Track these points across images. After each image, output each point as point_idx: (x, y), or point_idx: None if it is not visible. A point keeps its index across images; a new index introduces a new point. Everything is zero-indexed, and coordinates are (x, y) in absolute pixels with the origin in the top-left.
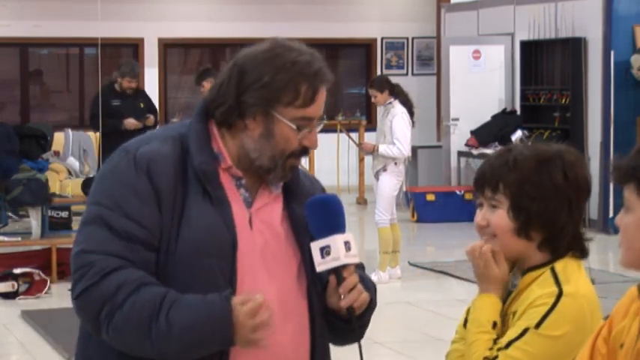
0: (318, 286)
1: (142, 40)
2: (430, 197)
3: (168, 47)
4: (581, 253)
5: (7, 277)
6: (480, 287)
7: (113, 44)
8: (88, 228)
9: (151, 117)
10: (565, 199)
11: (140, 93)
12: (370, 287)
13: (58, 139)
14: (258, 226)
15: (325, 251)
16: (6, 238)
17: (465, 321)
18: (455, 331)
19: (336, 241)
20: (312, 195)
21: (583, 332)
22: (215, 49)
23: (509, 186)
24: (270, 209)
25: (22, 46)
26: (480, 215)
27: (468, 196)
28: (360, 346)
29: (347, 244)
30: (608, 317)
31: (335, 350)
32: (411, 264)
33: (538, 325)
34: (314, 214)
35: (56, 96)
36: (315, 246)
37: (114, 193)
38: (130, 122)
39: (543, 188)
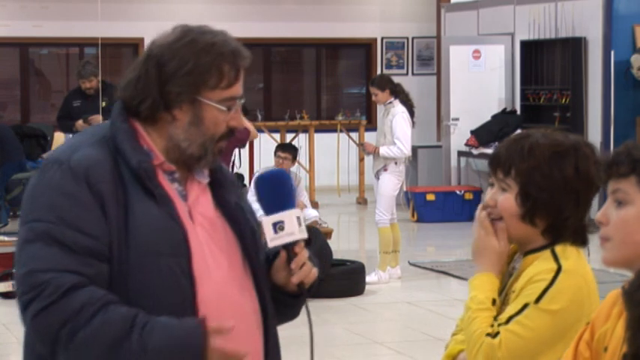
0: (263, 270)
1: (142, 40)
2: (430, 197)
3: None
4: (582, 242)
5: (7, 277)
6: (478, 266)
7: (113, 44)
8: (32, 246)
9: (96, 116)
10: (573, 192)
11: (106, 92)
12: (315, 263)
13: (58, 139)
14: (198, 218)
15: (278, 226)
16: (6, 238)
17: None
18: (455, 325)
19: (290, 215)
20: (233, 181)
21: (581, 308)
22: None
23: (521, 173)
24: (203, 200)
25: (22, 46)
26: (490, 194)
27: (468, 196)
28: (310, 330)
29: (298, 219)
30: (590, 322)
31: (336, 349)
32: (411, 264)
33: (537, 300)
34: (264, 189)
35: (56, 96)
36: (268, 221)
37: (55, 206)
38: (79, 124)
39: (553, 180)
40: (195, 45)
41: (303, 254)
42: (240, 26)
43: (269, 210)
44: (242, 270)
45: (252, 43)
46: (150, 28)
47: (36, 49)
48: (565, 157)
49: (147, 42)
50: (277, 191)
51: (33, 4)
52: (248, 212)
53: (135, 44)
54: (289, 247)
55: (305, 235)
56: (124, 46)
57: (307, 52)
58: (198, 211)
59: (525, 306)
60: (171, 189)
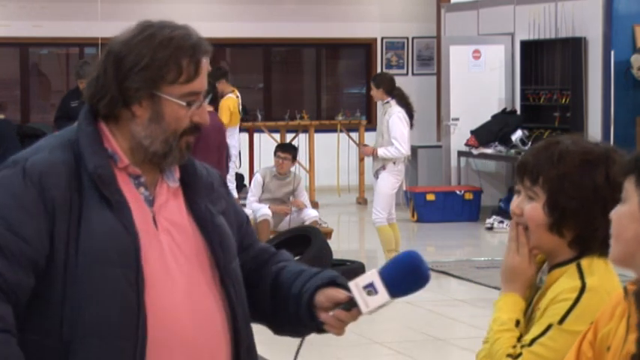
0: (236, 273)
1: None
2: (430, 197)
3: None
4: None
5: None
6: (506, 286)
7: None
8: None
9: None
10: (602, 200)
11: None
12: (343, 326)
13: None
14: (163, 224)
15: (369, 290)
16: None
17: None
18: (487, 331)
19: (382, 298)
20: (207, 183)
21: None
22: (215, 49)
23: (549, 181)
24: (172, 205)
25: (22, 46)
26: (516, 202)
27: (468, 196)
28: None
29: (380, 306)
30: (593, 321)
31: (336, 349)
32: None
33: (561, 321)
34: (404, 267)
35: (56, 96)
36: (372, 275)
37: (0, 205)
38: None
39: (583, 188)
40: (153, 40)
41: (350, 318)
42: (240, 26)
43: (384, 275)
44: (210, 277)
45: (252, 43)
46: None
47: (36, 49)
48: (596, 164)
49: None
50: (406, 280)
51: (33, 4)
52: (222, 215)
53: None
54: (353, 304)
55: (363, 313)
56: None
57: (307, 52)
58: (164, 217)
59: (549, 327)
60: (136, 194)
